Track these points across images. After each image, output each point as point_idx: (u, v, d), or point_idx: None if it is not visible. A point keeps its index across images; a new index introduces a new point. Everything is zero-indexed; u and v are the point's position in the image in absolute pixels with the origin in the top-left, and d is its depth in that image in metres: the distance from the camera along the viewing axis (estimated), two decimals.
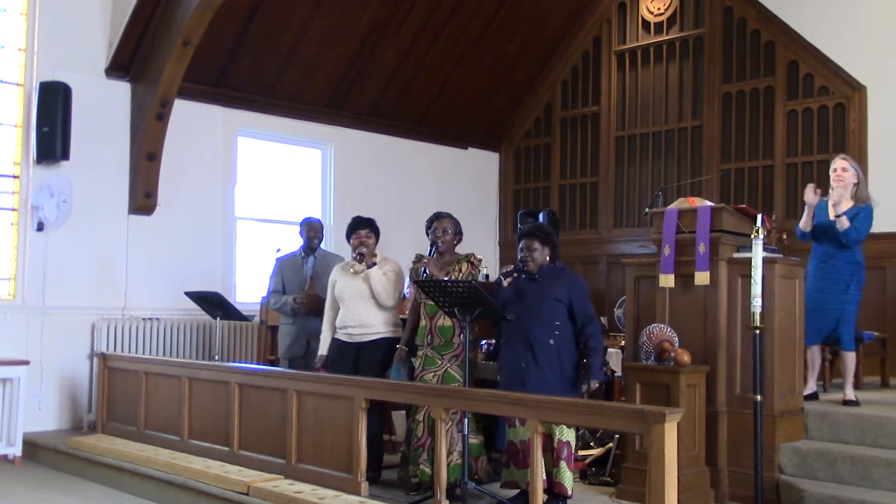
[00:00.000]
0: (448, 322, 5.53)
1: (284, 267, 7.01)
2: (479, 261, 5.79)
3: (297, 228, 7.20)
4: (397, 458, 5.91)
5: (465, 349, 5.34)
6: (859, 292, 6.09)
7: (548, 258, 5.28)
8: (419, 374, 5.59)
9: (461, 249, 5.87)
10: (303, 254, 7.00)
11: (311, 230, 7.03)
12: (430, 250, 5.73)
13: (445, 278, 5.47)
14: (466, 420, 5.07)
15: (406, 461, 5.63)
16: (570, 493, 5.02)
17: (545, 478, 4.95)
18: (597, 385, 5.17)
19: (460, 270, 5.62)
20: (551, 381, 5.08)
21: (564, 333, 5.16)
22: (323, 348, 6.13)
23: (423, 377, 5.54)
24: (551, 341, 5.13)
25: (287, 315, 6.85)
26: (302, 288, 6.79)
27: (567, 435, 5.04)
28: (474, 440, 5.40)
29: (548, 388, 5.02)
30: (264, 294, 8.07)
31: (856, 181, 6.10)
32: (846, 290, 6.01)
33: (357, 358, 5.90)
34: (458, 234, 5.80)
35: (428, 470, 5.48)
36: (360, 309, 5.92)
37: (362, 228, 6.02)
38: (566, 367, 5.14)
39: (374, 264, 5.92)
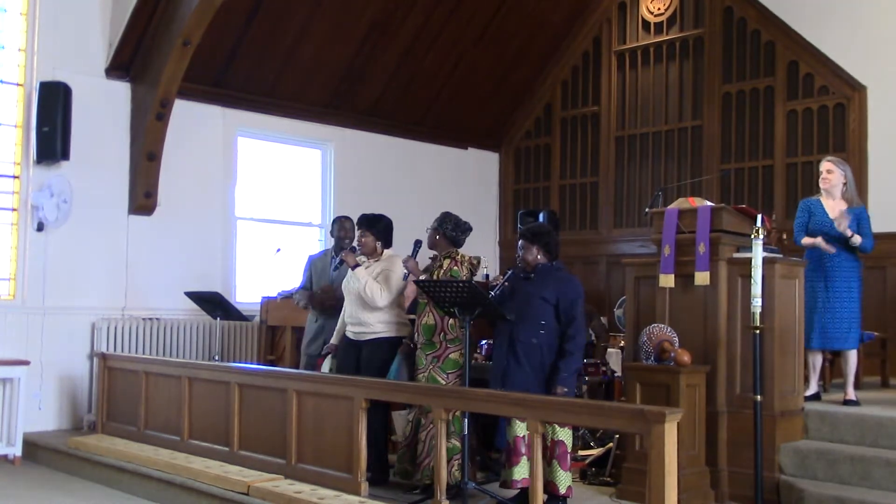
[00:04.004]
0: (431, 320, 5.52)
1: (314, 264, 6.95)
2: (479, 259, 5.75)
3: (300, 228, 7.11)
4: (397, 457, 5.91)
5: (447, 349, 5.44)
6: (861, 288, 6.09)
7: (539, 258, 5.26)
8: (415, 375, 5.60)
9: (468, 249, 5.83)
10: (333, 253, 6.88)
11: (342, 230, 6.79)
12: (413, 250, 5.72)
13: (422, 277, 5.47)
14: (466, 420, 5.06)
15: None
16: (563, 492, 4.97)
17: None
18: (565, 391, 5.03)
19: (441, 267, 5.61)
20: (532, 380, 5.07)
21: (549, 333, 5.13)
22: (335, 338, 6.15)
23: (416, 378, 5.55)
24: (534, 340, 5.11)
25: (307, 310, 6.82)
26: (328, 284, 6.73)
27: (560, 434, 5.00)
28: (456, 441, 5.31)
29: (526, 386, 5.02)
30: (266, 294, 8.12)
31: (843, 181, 6.12)
32: (851, 289, 6.01)
33: (359, 356, 5.89)
34: (438, 230, 5.66)
35: (410, 469, 5.50)
36: (356, 308, 5.89)
37: (359, 228, 5.97)
38: (547, 367, 5.12)
39: (358, 265, 5.85)
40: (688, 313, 5.59)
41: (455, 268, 5.57)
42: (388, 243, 6.01)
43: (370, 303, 5.78)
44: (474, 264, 5.67)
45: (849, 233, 5.97)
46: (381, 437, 5.89)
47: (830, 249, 6.00)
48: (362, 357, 5.86)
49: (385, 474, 5.77)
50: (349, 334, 5.97)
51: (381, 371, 5.78)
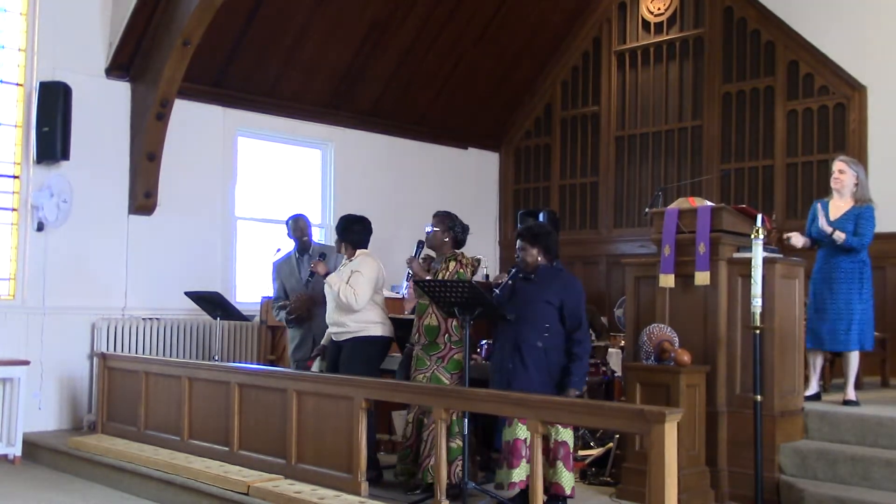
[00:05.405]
0: (434, 321, 5.52)
1: (281, 270, 6.89)
2: (479, 260, 5.78)
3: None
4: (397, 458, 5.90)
5: (451, 350, 5.45)
6: (870, 291, 6.07)
7: (539, 259, 5.24)
8: (413, 375, 5.59)
9: (468, 249, 5.85)
10: (296, 254, 6.86)
11: (297, 230, 6.82)
12: (416, 251, 5.75)
13: (428, 278, 5.48)
14: (466, 420, 5.06)
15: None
16: (568, 492, 4.98)
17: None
18: (577, 394, 5.08)
19: (447, 269, 5.61)
20: (537, 383, 5.04)
21: (554, 336, 5.11)
22: (324, 339, 6.21)
23: (416, 377, 5.55)
24: (539, 343, 5.09)
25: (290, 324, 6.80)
26: (300, 289, 6.69)
27: (563, 435, 5.00)
28: (459, 442, 5.30)
29: (532, 389, 4.98)
30: (266, 294, 8.09)
31: (855, 182, 6.12)
32: (851, 290, 5.99)
33: (338, 356, 5.96)
34: (448, 231, 5.69)
35: (413, 469, 5.49)
36: (332, 310, 5.99)
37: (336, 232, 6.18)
38: (553, 370, 5.10)
39: (329, 272, 5.99)
40: (688, 313, 5.59)
41: (461, 270, 5.58)
42: (359, 245, 6.09)
43: (347, 308, 5.86)
44: (475, 266, 5.71)
45: (828, 229, 5.99)
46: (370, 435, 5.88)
47: (797, 245, 6.10)
48: (341, 356, 5.92)
49: (377, 472, 5.77)
50: (332, 335, 6.07)
51: (360, 370, 5.74)
